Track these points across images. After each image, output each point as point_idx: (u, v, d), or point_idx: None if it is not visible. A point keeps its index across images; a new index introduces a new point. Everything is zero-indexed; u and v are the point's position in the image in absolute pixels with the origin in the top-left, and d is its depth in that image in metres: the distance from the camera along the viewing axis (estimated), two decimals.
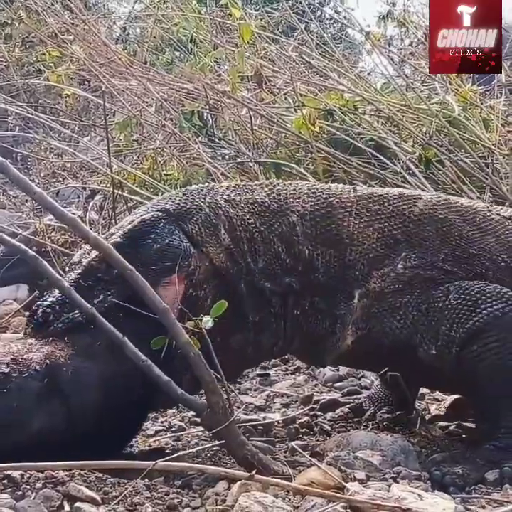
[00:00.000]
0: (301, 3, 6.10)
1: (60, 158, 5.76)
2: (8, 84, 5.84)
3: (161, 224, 2.50)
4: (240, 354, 2.57)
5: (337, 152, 4.73)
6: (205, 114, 4.95)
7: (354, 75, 5.32)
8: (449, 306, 2.51)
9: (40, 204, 2.39)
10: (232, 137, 5.11)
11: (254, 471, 1.92)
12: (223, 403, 2.19)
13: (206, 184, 2.79)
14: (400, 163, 4.61)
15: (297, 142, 4.99)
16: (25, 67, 6.08)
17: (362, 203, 2.66)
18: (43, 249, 5.60)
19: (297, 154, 5.03)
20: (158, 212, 2.53)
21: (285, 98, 5.34)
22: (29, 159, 6.49)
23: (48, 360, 2.28)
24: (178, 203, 2.57)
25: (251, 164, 4.88)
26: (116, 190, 4.58)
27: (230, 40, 5.66)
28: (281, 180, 2.91)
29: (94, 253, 2.48)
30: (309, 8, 5.90)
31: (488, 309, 2.47)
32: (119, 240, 2.47)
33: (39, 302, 2.46)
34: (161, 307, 2.22)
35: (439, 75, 5.31)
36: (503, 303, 2.47)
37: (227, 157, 5.01)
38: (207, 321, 2.22)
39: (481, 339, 2.45)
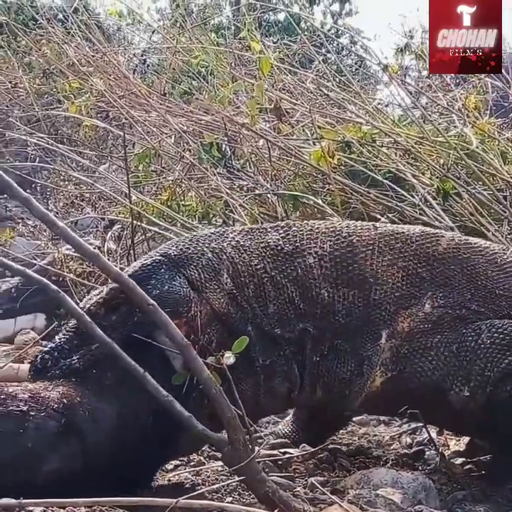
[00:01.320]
0: (318, 35, 6.12)
1: (78, 187, 5.78)
2: (28, 115, 5.89)
3: (162, 269, 2.50)
4: (252, 400, 2.53)
5: (355, 184, 4.74)
6: (223, 146, 4.97)
7: (372, 107, 5.34)
8: (482, 346, 2.49)
9: (63, 238, 2.40)
10: (251, 169, 5.13)
11: (276, 511, 1.91)
12: (244, 439, 2.19)
13: (219, 228, 2.80)
14: (417, 195, 4.61)
15: (315, 174, 5.01)
16: (45, 98, 6.13)
17: (384, 241, 2.63)
18: (60, 279, 5.64)
19: (314, 185, 5.05)
20: (160, 258, 2.54)
21: (303, 130, 5.36)
22: (48, 189, 6.53)
23: (64, 399, 2.29)
24: (181, 249, 2.57)
25: (269, 196, 4.89)
26: (135, 221, 4.60)
27: (248, 72, 5.70)
28: (297, 221, 2.87)
29: (94, 299, 2.50)
30: (327, 40, 5.91)
31: None
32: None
33: (41, 349, 2.48)
34: (182, 342, 2.23)
35: (456, 107, 5.34)
36: None
37: (245, 188, 5.03)
38: (228, 357, 2.22)
39: None
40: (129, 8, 6.50)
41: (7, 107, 6.29)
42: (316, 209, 4.90)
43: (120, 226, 5.58)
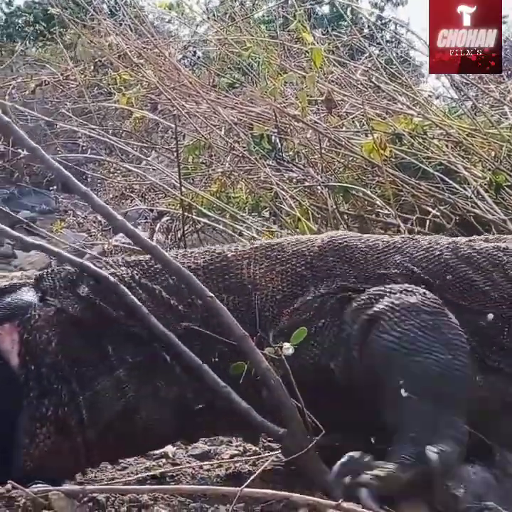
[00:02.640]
0: (368, 27, 6.09)
1: (128, 179, 5.82)
2: (79, 107, 5.94)
3: (20, 284, 2.56)
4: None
5: (406, 176, 4.72)
6: (273, 138, 4.97)
7: (422, 98, 5.30)
8: (347, 312, 2.44)
9: (122, 231, 2.42)
10: (300, 160, 5.12)
11: (341, 500, 1.91)
12: (302, 430, 2.20)
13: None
14: (469, 187, 4.58)
15: (364, 166, 4.99)
16: (95, 90, 6.18)
17: (260, 253, 2.60)
18: None
19: (364, 177, 5.03)
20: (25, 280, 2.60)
21: (352, 122, 5.35)
22: (98, 180, 6.58)
23: None
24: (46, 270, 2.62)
25: (319, 187, 4.88)
26: (185, 213, 4.62)
27: (297, 64, 5.69)
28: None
29: None
30: (377, 31, 5.88)
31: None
32: None
33: None
34: (239, 333, 2.24)
35: (509, 99, 5.29)
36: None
37: (294, 180, 5.03)
38: (287, 348, 2.23)
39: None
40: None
41: (58, 98, 6.35)
42: (366, 201, 4.89)
43: (169, 218, 5.62)
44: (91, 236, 6.44)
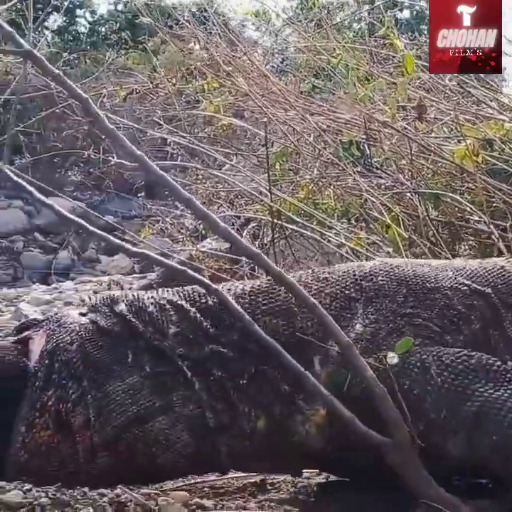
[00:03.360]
0: None
1: (215, 186, 5.88)
2: (168, 115, 6.02)
3: None
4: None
5: (497, 182, 4.65)
6: (362, 144, 4.95)
7: None
8: (433, 384, 2.33)
9: (225, 238, 2.44)
10: (389, 167, 5.09)
11: None
12: (408, 439, 2.19)
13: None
14: None
15: (454, 172, 4.94)
16: (183, 98, 6.25)
17: (311, 276, 2.60)
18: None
19: (453, 184, 4.98)
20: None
21: (441, 127, 5.30)
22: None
23: None
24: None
25: (408, 194, 4.85)
26: (274, 219, 4.64)
27: (384, 69, 5.67)
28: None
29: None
30: None
31: None
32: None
33: None
34: (344, 341, 2.24)
35: None
36: None
37: (383, 187, 5.00)
38: (392, 357, 2.22)
39: None
40: (263, 6, 6.57)
41: (147, 106, 6.45)
42: (456, 208, 4.83)
43: (256, 224, 5.65)
44: (176, 242, 6.51)
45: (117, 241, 2.55)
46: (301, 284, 2.44)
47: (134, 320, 2.50)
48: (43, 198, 2.39)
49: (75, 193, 7.48)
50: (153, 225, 6.62)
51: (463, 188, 4.94)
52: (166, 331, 2.47)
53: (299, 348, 2.39)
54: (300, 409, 2.38)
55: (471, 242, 4.95)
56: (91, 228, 2.40)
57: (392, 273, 2.55)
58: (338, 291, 2.53)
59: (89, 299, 2.62)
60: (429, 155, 4.96)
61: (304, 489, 2.69)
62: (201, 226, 6.33)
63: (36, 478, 2.33)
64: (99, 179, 10.10)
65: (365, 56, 5.28)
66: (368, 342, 2.37)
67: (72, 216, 2.41)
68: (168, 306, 2.54)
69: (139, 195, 9.81)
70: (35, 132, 9.48)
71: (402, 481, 2.22)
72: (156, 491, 2.50)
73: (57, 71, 2.17)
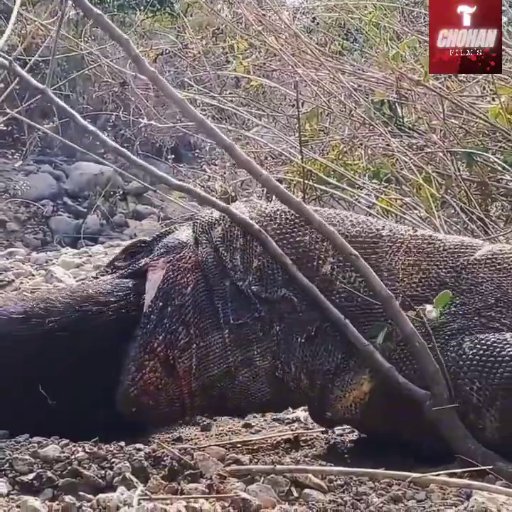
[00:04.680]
0: None
1: (245, 147, 5.85)
2: (198, 76, 6.00)
3: (184, 223, 2.69)
4: (227, 373, 2.50)
5: None
6: (393, 104, 4.91)
7: None
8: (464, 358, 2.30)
9: (267, 186, 2.44)
10: (420, 127, 5.05)
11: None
12: (447, 394, 2.19)
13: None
14: None
15: (486, 131, 4.90)
16: (214, 58, 6.21)
17: (415, 242, 2.48)
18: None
19: (485, 143, 4.92)
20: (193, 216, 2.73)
21: (474, 86, 5.23)
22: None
23: None
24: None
25: (440, 154, 4.81)
26: (306, 180, 4.62)
27: (416, 28, 5.60)
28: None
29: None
30: None
31: None
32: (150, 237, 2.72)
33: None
34: (385, 294, 2.24)
35: None
36: None
37: (414, 147, 4.96)
38: (431, 311, 2.22)
39: None
40: None
41: (177, 68, 6.43)
42: (489, 167, 4.79)
43: (287, 185, 5.61)
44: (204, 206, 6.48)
45: (160, 172, 2.55)
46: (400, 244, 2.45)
47: (224, 255, 2.52)
48: (84, 122, 2.41)
49: (103, 156, 7.47)
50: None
51: (496, 148, 4.90)
52: (248, 267, 2.50)
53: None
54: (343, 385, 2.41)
55: (503, 202, 4.91)
56: (133, 157, 2.42)
57: (495, 273, 2.42)
58: (434, 272, 2.44)
59: (194, 221, 2.63)
60: (462, 114, 4.92)
61: (337, 445, 2.70)
62: (230, 189, 6.31)
63: (143, 412, 2.50)
64: (128, 141, 10.11)
65: (396, 14, 5.22)
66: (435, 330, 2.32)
67: (116, 145, 2.45)
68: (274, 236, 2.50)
69: (167, 158, 9.80)
70: (64, 95, 9.48)
71: (439, 435, 2.23)
72: (192, 446, 2.53)
73: (98, 11, 2.17)
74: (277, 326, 2.46)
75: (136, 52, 2.25)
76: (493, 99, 4.60)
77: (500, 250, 2.50)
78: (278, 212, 2.54)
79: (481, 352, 2.24)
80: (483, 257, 2.45)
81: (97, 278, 2.74)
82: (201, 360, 2.46)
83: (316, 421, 2.67)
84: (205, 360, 2.46)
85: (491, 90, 4.73)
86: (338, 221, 2.52)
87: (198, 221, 2.61)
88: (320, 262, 2.46)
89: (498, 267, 2.43)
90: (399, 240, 2.48)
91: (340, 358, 2.40)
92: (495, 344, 2.23)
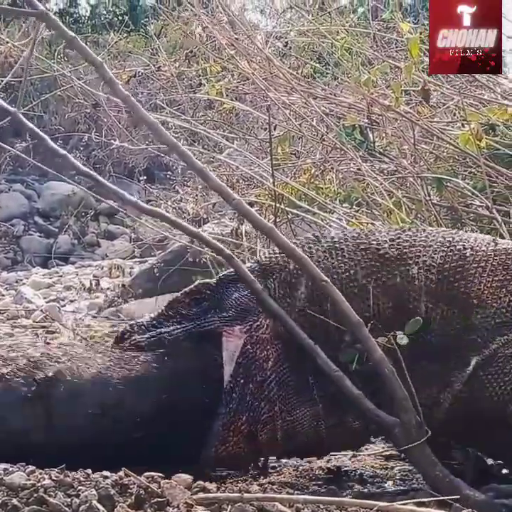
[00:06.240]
0: None
1: (217, 169, 5.86)
2: (170, 98, 6.01)
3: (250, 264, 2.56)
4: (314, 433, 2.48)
5: (500, 167, 4.65)
6: (364, 128, 4.94)
7: None
8: None
9: (238, 210, 2.45)
10: (391, 152, 5.08)
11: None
12: (416, 421, 2.19)
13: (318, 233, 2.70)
14: None
15: (456, 156, 4.94)
16: (185, 81, 6.23)
17: (499, 259, 2.38)
18: (197, 260, 5.76)
19: (456, 168, 4.97)
20: (254, 264, 2.55)
21: (444, 112, 5.29)
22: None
23: None
24: (270, 257, 2.53)
25: (411, 179, 4.84)
26: (277, 204, 4.63)
27: (387, 53, 5.65)
28: (412, 226, 2.72)
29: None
30: None
31: None
32: (214, 280, 2.56)
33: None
34: (354, 320, 2.24)
35: None
36: None
37: (385, 172, 4.99)
38: (401, 338, 2.22)
39: None
40: None
41: (149, 89, 6.43)
42: (459, 192, 4.83)
43: (258, 208, 5.62)
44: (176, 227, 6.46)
45: (131, 197, 2.54)
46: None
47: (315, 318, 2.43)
48: (54, 146, 2.40)
49: (75, 177, 7.46)
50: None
51: (465, 173, 4.94)
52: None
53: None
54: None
55: (473, 227, 4.95)
56: (104, 181, 2.41)
57: None
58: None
59: (265, 273, 2.49)
60: (432, 140, 4.96)
61: (305, 473, 2.71)
62: (202, 211, 6.31)
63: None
64: (100, 162, 10.10)
65: (368, 40, 5.26)
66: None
67: (86, 169, 2.43)
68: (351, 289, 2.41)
69: (139, 179, 9.80)
70: (36, 115, 9.45)
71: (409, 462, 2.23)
72: (159, 474, 2.51)
73: (72, 34, 2.18)
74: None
75: (111, 76, 2.25)
76: (463, 125, 4.64)
77: None
78: None
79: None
80: None
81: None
82: (287, 432, 2.42)
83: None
84: (292, 431, 2.42)
85: (461, 116, 4.78)
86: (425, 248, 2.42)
87: (275, 277, 2.48)
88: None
89: None
90: (482, 259, 2.38)
91: (435, 392, 2.37)
92: None
